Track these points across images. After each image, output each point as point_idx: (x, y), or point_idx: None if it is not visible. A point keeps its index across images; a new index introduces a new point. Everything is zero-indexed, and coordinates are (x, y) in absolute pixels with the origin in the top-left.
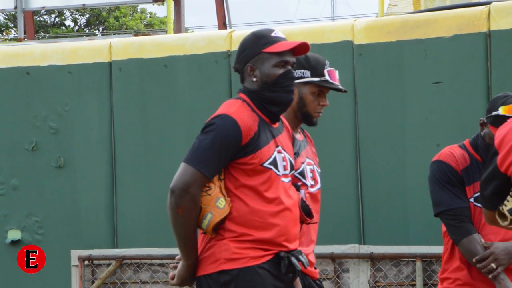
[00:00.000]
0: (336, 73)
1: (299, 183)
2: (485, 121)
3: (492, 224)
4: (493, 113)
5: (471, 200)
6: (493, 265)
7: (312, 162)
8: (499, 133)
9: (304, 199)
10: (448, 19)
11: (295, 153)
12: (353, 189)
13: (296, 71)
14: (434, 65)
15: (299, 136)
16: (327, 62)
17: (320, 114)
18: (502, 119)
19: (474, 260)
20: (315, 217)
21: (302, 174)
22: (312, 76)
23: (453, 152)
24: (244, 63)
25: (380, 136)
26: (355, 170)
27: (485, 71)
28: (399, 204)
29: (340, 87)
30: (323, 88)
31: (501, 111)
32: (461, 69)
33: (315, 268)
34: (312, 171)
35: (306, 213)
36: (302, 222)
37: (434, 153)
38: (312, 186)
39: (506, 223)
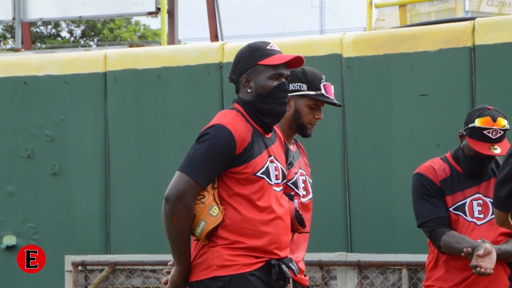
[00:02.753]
0: (332, 87)
1: (293, 193)
2: (464, 133)
3: (502, 226)
4: (470, 125)
5: (451, 209)
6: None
7: (304, 172)
8: None
9: (298, 209)
10: (434, 33)
11: (289, 163)
12: (341, 198)
13: (293, 84)
14: (420, 78)
15: (292, 147)
16: (323, 76)
17: (314, 126)
18: (478, 131)
19: (464, 251)
20: (306, 226)
21: (295, 184)
22: (308, 89)
23: (433, 164)
24: (240, 74)
25: (367, 147)
26: (343, 179)
27: (469, 85)
28: (385, 213)
29: (335, 101)
30: (318, 102)
31: (477, 123)
32: (446, 82)
33: (305, 276)
34: (304, 181)
35: (299, 222)
36: (294, 231)
37: (420, 163)
38: (304, 196)
39: None
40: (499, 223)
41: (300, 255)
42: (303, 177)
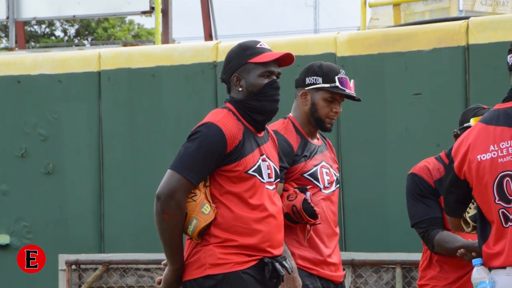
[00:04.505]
0: (351, 82)
1: (307, 187)
2: (458, 133)
3: (457, 231)
4: (465, 125)
5: None
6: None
7: (328, 166)
8: (456, 143)
9: (309, 201)
10: (428, 32)
11: (304, 156)
12: None
13: (309, 77)
14: (414, 77)
15: (316, 141)
16: (341, 71)
17: (333, 120)
18: None
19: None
20: (331, 217)
21: (314, 176)
22: (323, 82)
23: (427, 165)
24: (231, 74)
25: (361, 146)
26: None
27: (463, 84)
28: (379, 212)
29: (352, 93)
30: (335, 95)
31: (472, 122)
32: (440, 81)
33: (343, 270)
34: (328, 174)
35: (309, 214)
36: (305, 223)
37: (414, 162)
38: (325, 188)
39: (469, 229)
40: (455, 228)
41: (332, 246)
42: (326, 170)
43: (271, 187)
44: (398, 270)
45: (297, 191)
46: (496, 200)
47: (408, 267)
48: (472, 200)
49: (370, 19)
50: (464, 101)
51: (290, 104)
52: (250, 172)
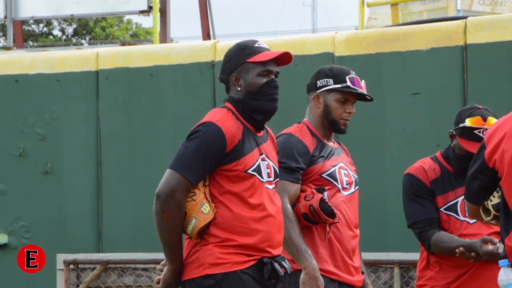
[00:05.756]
0: (362, 82)
1: (325, 187)
2: (454, 133)
3: (474, 218)
4: (460, 125)
5: (442, 209)
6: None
7: (346, 167)
8: (490, 128)
9: (326, 200)
10: (426, 32)
11: (321, 156)
12: None
13: (321, 80)
14: (412, 76)
15: (332, 144)
16: (352, 72)
17: (347, 121)
18: (469, 130)
19: (457, 251)
20: (351, 220)
21: (332, 176)
22: (334, 83)
23: (423, 165)
24: (229, 73)
25: (359, 145)
26: None
27: (461, 83)
28: (377, 212)
29: (364, 92)
30: (347, 95)
31: (468, 122)
32: (438, 81)
33: (362, 273)
34: (347, 175)
35: (327, 213)
36: (323, 222)
37: (412, 162)
38: (344, 189)
39: (489, 218)
40: (472, 215)
41: (351, 250)
42: (345, 171)
43: (270, 187)
44: (396, 270)
45: (314, 191)
46: None
47: (406, 267)
48: (497, 189)
49: (368, 18)
50: (462, 101)
51: (288, 103)
52: (249, 171)
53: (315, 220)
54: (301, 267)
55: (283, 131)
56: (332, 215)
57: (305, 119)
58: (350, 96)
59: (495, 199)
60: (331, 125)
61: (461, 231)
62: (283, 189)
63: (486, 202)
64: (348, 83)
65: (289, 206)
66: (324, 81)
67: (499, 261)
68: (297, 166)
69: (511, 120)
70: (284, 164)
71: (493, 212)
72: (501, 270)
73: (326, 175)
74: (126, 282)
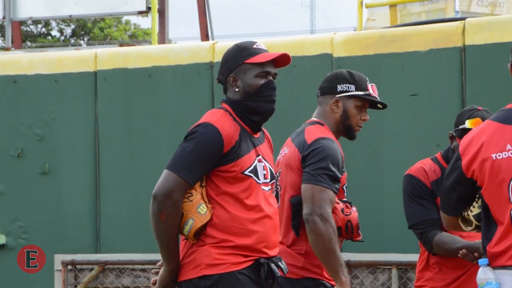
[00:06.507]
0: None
1: (344, 199)
2: (454, 134)
3: (452, 229)
4: (460, 127)
5: None
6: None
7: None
8: (464, 140)
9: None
10: (424, 33)
11: (343, 168)
12: None
13: (342, 85)
14: (410, 78)
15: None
16: (367, 78)
17: (360, 128)
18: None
19: (460, 252)
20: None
21: (347, 188)
22: (356, 90)
23: (423, 166)
24: (227, 74)
25: (357, 146)
26: None
27: (459, 85)
28: (375, 213)
29: (384, 102)
30: (365, 102)
31: (468, 124)
32: (436, 82)
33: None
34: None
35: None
36: (350, 238)
37: (410, 163)
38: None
39: (470, 228)
40: (450, 227)
41: None
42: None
43: (266, 188)
44: (394, 271)
45: (349, 205)
46: (511, 200)
47: (404, 268)
48: (476, 199)
49: (367, 19)
50: (461, 102)
51: (287, 104)
52: (246, 172)
53: (346, 235)
54: (337, 281)
55: (317, 132)
56: (359, 232)
57: (319, 119)
58: (367, 103)
59: (475, 209)
60: (345, 131)
61: (462, 232)
62: (328, 198)
63: (465, 213)
64: (370, 91)
65: (332, 218)
66: (345, 86)
67: (479, 260)
68: (336, 175)
69: (487, 130)
70: (332, 173)
71: (475, 222)
72: (480, 269)
73: (345, 186)
74: (124, 283)
